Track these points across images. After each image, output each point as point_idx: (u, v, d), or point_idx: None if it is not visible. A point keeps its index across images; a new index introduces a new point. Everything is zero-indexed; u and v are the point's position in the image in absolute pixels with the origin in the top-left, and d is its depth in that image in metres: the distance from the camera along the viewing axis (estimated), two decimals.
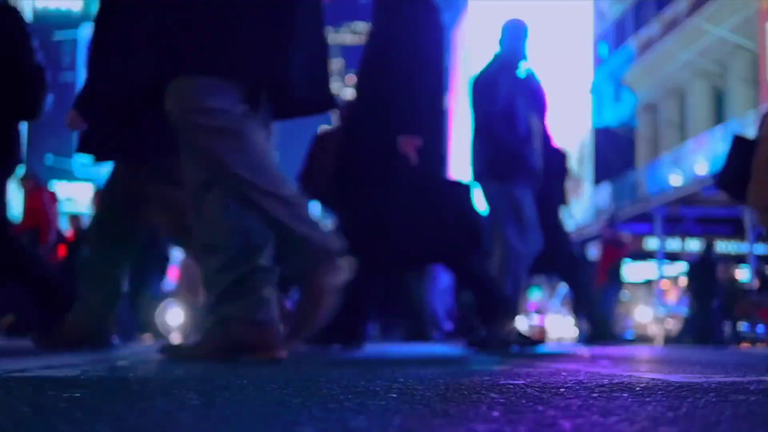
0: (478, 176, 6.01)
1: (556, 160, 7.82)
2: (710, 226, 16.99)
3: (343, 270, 2.97)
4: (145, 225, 4.48)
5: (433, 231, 5.08)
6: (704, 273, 14.36)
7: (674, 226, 17.41)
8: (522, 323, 16.59)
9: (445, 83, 5.26)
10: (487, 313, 5.19)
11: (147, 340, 9.44)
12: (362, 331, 5.45)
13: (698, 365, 3.09)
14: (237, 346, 3.03)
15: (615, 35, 32.33)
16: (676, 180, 22.07)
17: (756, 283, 15.10)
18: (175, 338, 10.68)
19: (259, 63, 3.05)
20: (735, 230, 17.37)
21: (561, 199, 7.73)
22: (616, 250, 13.81)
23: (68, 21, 60.99)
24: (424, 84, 5.00)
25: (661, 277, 16.47)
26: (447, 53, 5.37)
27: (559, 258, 7.23)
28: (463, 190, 5.45)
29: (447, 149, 5.31)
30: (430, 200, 5.08)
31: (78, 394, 1.60)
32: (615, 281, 13.63)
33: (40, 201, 10.55)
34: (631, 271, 15.97)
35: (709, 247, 14.29)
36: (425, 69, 5.02)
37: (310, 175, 6.38)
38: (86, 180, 34.70)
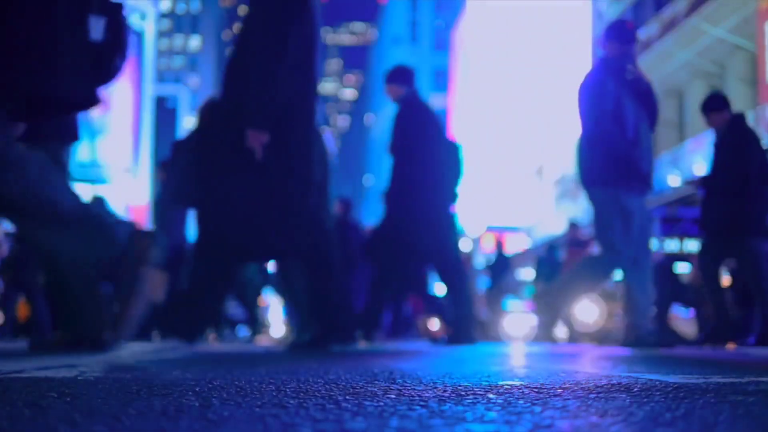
0: (587, 182, 5.97)
1: (450, 153, 7.76)
2: None
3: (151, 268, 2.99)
4: None
5: (275, 227, 4.98)
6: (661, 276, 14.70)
7: (672, 226, 17.40)
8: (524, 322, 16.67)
9: (314, 81, 5.11)
10: (321, 314, 5.10)
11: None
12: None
13: (696, 366, 3.09)
14: None
15: None
16: (674, 180, 22.06)
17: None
18: None
19: (21, 75, 2.99)
20: None
21: (452, 196, 7.67)
22: (578, 251, 14.13)
23: None
24: (279, 79, 4.88)
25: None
26: (319, 51, 5.14)
27: (440, 255, 7.21)
28: (320, 192, 5.29)
29: (311, 147, 5.14)
30: (276, 197, 4.98)
31: (76, 395, 1.60)
32: None
33: None
34: None
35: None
36: (281, 64, 4.88)
37: (182, 182, 6.39)
38: (86, 181, 34.80)
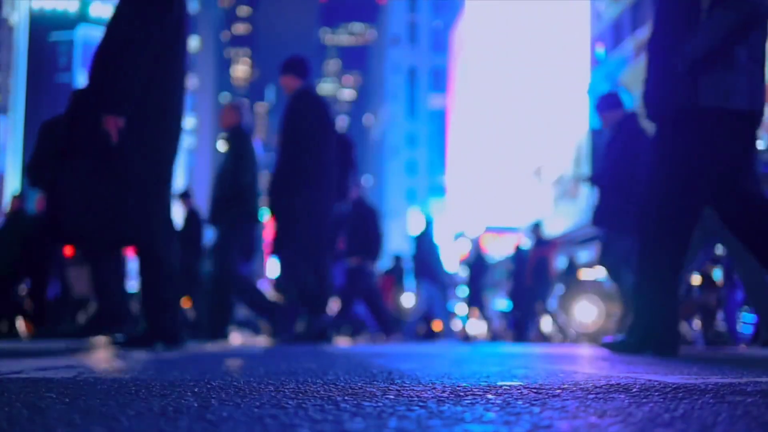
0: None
1: (342, 149, 7.71)
2: None
3: None
4: None
5: (113, 215, 4.89)
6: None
7: None
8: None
9: (179, 72, 5.01)
10: (146, 312, 5.04)
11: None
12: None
13: (695, 366, 3.09)
14: None
15: (612, 36, 32.38)
16: None
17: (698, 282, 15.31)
18: None
19: None
20: None
21: (342, 192, 7.65)
22: (541, 249, 14.72)
23: (64, 22, 60.90)
24: (139, 66, 4.79)
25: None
26: (186, 42, 5.05)
27: (321, 252, 7.20)
28: (159, 182, 5.09)
29: (171, 141, 4.99)
30: (112, 186, 4.88)
31: (75, 396, 1.60)
32: (541, 280, 14.55)
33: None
34: None
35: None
36: (142, 51, 4.80)
37: (39, 164, 6.34)
38: None
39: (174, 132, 5.03)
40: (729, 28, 4.23)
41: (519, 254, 16.32)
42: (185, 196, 11.49)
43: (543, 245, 15.04)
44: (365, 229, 10.70)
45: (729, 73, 4.27)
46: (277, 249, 7.22)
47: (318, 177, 7.08)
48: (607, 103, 7.47)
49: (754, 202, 4.36)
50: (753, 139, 4.43)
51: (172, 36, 4.95)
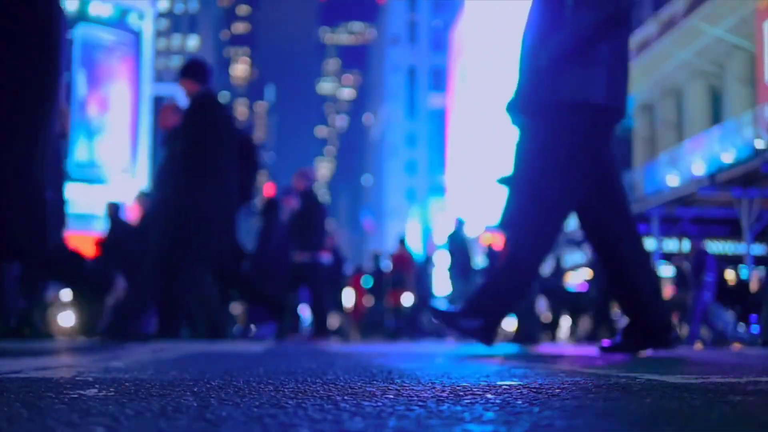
0: None
1: (244, 153, 7.67)
2: (707, 227, 17.02)
3: None
4: None
5: None
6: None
7: (671, 226, 17.42)
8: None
9: (52, 65, 4.67)
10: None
11: None
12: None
13: (695, 366, 3.09)
14: None
15: None
16: (673, 180, 22.09)
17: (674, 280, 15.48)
18: None
19: None
20: (732, 231, 17.39)
21: (246, 194, 7.63)
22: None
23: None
24: (8, 57, 4.54)
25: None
26: (62, 38, 4.78)
27: (222, 256, 7.17)
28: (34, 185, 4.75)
29: (34, 138, 4.60)
30: None
31: (74, 396, 1.60)
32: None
33: None
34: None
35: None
36: (11, 43, 4.54)
37: None
38: (83, 181, 34.76)
39: (42, 130, 4.67)
40: (592, 25, 4.33)
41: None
42: (143, 196, 11.57)
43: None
44: (312, 224, 10.73)
45: (590, 69, 4.36)
46: (179, 252, 7.15)
47: (219, 180, 7.09)
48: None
49: (623, 216, 4.45)
50: (611, 134, 4.52)
51: (44, 31, 4.75)
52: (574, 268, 21.47)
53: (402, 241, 18.29)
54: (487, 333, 4.61)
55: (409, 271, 17.32)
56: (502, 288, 4.59)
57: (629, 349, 4.55)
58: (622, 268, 4.58)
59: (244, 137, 8.00)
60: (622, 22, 4.43)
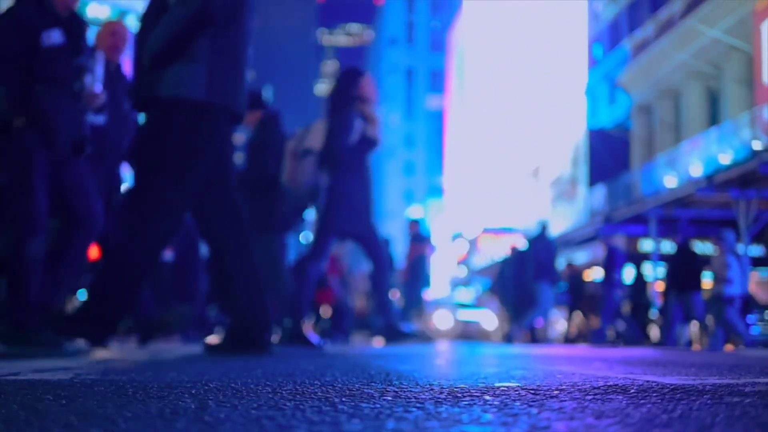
0: None
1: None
2: (705, 228, 17.01)
3: None
4: None
5: None
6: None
7: (669, 227, 17.41)
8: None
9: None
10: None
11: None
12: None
13: (693, 367, 3.09)
14: None
15: (609, 37, 32.39)
16: (670, 181, 22.08)
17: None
18: None
19: None
20: None
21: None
22: (419, 246, 14.89)
23: None
24: None
25: (656, 278, 16.49)
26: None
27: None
28: None
29: None
30: None
31: (72, 398, 1.60)
32: (417, 277, 14.76)
33: None
34: (627, 273, 16.11)
35: None
36: None
37: None
38: None
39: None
40: (181, 22, 4.37)
41: (517, 256, 16.40)
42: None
43: (422, 242, 15.24)
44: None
45: (188, 65, 4.39)
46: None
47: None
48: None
49: (233, 217, 4.48)
50: (216, 131, 4.53)
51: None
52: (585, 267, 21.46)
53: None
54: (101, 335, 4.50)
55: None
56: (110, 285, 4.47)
57: (228, 349, 4.54)
58: (224, 270, 4.60)
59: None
60: (212, 18, 4.45)
